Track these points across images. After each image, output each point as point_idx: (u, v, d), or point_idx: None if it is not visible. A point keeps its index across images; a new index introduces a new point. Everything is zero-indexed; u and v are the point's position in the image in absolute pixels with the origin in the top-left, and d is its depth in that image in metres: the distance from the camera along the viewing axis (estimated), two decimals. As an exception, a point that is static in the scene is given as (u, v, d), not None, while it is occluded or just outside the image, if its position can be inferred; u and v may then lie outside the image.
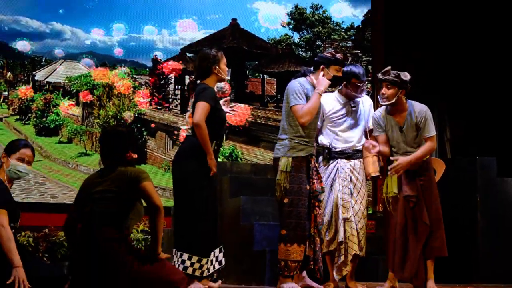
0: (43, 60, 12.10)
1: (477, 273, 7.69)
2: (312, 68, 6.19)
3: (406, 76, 6.21)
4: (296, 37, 13.42)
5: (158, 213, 4.43)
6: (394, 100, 6.18)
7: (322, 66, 6.05)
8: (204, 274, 5.85)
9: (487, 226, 7.79)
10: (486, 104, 11.47)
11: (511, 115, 11.44)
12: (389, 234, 6.32)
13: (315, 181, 5.99)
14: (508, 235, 7.85)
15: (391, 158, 6.27)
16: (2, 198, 5.32)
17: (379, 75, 6.25)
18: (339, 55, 6.08)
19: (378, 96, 6.29)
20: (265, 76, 13.21)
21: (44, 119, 11.72)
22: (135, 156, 4.65)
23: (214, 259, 5.95)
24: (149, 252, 4.40)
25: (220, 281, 6.33)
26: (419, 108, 6.28)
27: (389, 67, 6.25)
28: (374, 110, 6.61)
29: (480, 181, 7.83)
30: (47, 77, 12.07)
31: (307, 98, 5.96)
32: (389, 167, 6.16)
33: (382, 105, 6.31)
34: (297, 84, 6.01)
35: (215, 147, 5.92)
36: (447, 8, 11.81)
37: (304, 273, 6.22)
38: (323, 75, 6.01)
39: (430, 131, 6.25)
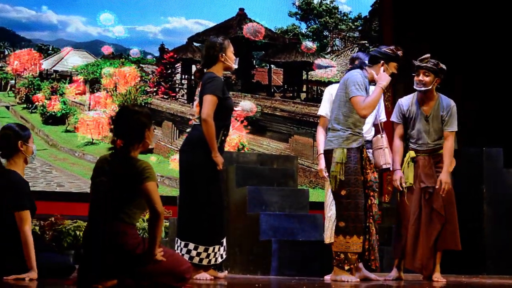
0: (50, 49, 12.09)
1: (483, 264, 7.69)
2: (366, 61, 6.11)
3: (443, 65, 6.22)
4: (303, 27, 13.39)
5: (157, 219, 4.27)
6: (430, 87, 6.19)
7: (382, 62, 5.98)
8: (212, 263, 5.86)
9: (493, 217, 7.79)
10: (494, 95, 11.45)
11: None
12: (401, 223, 6.31)
13: (368, 171, 5.94)
14: (514, 226, 7.86)
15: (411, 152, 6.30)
16: (27, 198, 5.29)
17: (417, 62, 6.23)
18: (400, 52, 6.00)
19: (415, 82, 6.25)
20: (272, 66, 13.19)
21: (50, 107, 11.73)
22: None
23: (222, 248, 5.95)
24: (145, 254, 4.33)
25: (226, 271, 6.34)
26: (447, 101, 6.29)
27: (428, 55, 6.25)
28: (384, 100, 6.60)
29: (487, 172, 7.83)
30: (54, 65, 12.07)
31: (366, 91, 5.87)
32: (441, 192, 6.14)
33: (416, 90, 6.28)
34: (359, 76, 5.84)
35: (222, 137, 5.91)
36: (440, 3, 11.80)
37: (361, 265, 6.19)
38: (383, 71, 5.95)
39: (453, 125, 6.25)
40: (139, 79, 12.10)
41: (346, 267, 5.76)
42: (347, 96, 5.80)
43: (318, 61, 13.02)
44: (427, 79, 6.19)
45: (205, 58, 6.04)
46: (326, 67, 12.98)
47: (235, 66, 6.14)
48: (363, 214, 5.79)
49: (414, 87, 6.27)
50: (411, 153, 6.31)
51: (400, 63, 6.03)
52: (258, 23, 12.78)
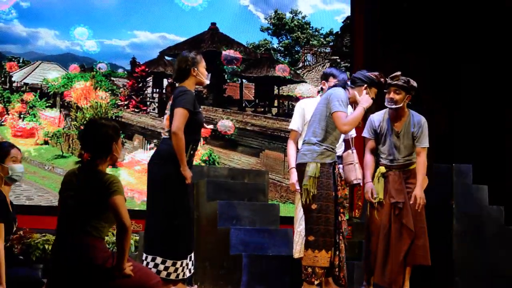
0: (21, 61, 12.01)
1: (452, 280, 7.72)
2: (341, 77, 6.17)
3: (414, 82, 6.28)
4: (275, 42, 13.42)
5: (125, 233, 4.23)
6: (401, 105, 6.24)
7: (365, 86, 5.99)
8: (180, 277, 5.83)
9: (462, 233, 7.83)
10: (461, 113, 11.54)
11: (488, 124, 11.52)
12: (371, 238, 6.33)
13: (339, 187, 5.97)
14: (482, 242, 7.90)
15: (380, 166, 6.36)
16: (1, 211, 5.20)
17: (388, 80, 6.28)
18: (382, 80, 6.06)
19: (386, 100, 6.31)
20: (244, 80, 13.20)
21: (20, 120, 11.64)
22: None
23: (190, 263, 5.93)
24: (114, 268, 4.29)
25: (196, 286, 6.31)
26: (418, 118, 6.35)
27: (398, 72, 6.31)
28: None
29: (456, 188, 7.87)
30: (24, 78, 11.99)
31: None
32: (416, 206, 6.19)
33: (388, 108, 6.34)
34: (343, 93, 5.92)
35: (191, 152, 5.90)
36: (425, 15, 11.88)
37: (330, 280, 6.20)
38: (366, 93, 5.98)
39: (425, 141, 6.31)
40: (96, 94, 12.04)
41: (314, 281, 5.78)
42: (328, 111, 5.84)
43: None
44: (397, 96, 6.25)
45: (177, 72, 6.04)
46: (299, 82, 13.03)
47: (207, 81, 6.14)
48: (333, 229, 5.82)
49: (385, 104, 6.33)
50: (382, 169, 6.36)
51: (380, 90, 6.09)
52: (233, 41, 12.81)
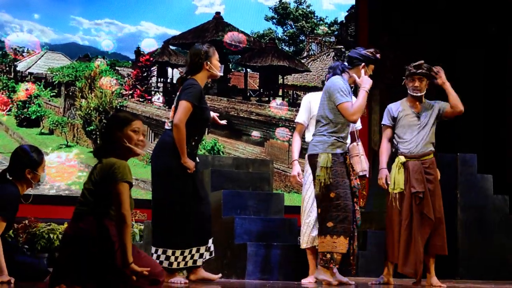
0: (25, 51, 12.01)
1: (456, 269, 7.74)
2: (346, 63, 6.14)
3: (434, 68, 6.36)
4: (279, 32, 13.42)
5: (122, 224, 4.19)
6: (424, 91, 6.38)
7: (363, 64, 5.99)
8: (187, 265, 5.82)
9: (467, 222, 7.85)
10: (464, 103, 11.52)
11: (492, 115, 11.51)
12: (392, 229, 6.33)
13: (352, 177, 5.96)
14: (487, 231, 7.91)
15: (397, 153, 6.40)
16: (11, 211, 5.28)
17: (412, 69, 6.32)
18: (378, 55, 6.04)
19: (410, 88, 6.35)
20: (248, 70, 13.20)
21: (25, 110, 11.66)
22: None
23: (197, 254, 5.89)
24: (122, 266, 4.27)
25: (220, 274, 6.25)
26: (433, 101, 6.45)
27: (422, 61, 6.35)
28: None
29: (461, 178, 7.89)
30: (29, 68, 12.00)
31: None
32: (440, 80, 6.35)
33: (412, 95, 6.39)
34: (341, 82, 5.89)
35: (193, 143, 5.87)
36: (429, 4, 11.87)
37: (335, 269, 6.22)
38: (365, 74, 5.96)
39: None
40: (114, 83, 12.05)
41: (332, 267, 5.79)
42: (332, 104, 5.84)
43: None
44: (422, 84, 6.37)
45: (189, 66, 6.01)
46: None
47: (220, 74, 6.12)
48: (351, 216, 5.83)
49: (410, 92, 6.38)
50: (401, 158, 6.37)
51: (377, 66, 6.09)
52: (238, 30, 12.81)
